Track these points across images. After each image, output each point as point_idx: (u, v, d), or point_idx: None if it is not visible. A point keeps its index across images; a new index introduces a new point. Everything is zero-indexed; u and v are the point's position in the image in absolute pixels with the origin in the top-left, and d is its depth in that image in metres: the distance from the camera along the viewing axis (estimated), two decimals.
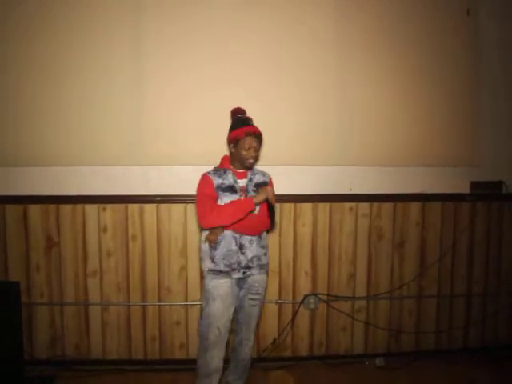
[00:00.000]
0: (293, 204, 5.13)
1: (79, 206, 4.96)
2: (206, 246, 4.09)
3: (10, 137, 4.95)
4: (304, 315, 5.24)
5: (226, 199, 3.97)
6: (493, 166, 5.41)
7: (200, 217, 4.03)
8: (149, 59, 5.03)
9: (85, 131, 4.96)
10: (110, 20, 4.98)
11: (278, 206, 4.29)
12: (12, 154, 4.95)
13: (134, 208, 5.00)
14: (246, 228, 3.99)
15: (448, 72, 5.34)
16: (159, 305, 5.09)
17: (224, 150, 4.26)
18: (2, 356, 4.32)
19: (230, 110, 4.16)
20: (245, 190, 4.04)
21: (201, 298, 4.45)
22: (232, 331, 4.28)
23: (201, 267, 4.33)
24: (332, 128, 5.21)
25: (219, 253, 4.02)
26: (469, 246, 5.40)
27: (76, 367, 5.00)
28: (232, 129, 4.02)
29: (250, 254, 4.04)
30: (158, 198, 5.01)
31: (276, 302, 5.18)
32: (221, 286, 4.04)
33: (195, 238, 5.00)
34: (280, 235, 5.14)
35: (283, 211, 5.08)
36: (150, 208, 5.01)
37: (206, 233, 4.07)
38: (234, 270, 4.02)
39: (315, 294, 5.21)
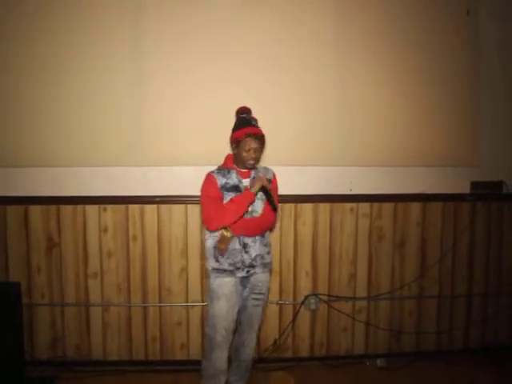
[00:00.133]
0: (293, 204, 5.13)
1: (80, 207, 4.96)
2: (210, 245, 4.08)
3: (10, 137, 4.94)
4: (305, 316, 5.24)
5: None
6: (493, 166, 5.41)
7: (205, 221, 4.04)
8: (149, 59, 5.02)
9: (85, 131, 4.96)
10: (109, 20, 4.97)
11: (279, 206, 4.27)
12: (12, 155, 4.94)
13: (134, 208, 4.99)
14: (250, 230, 4.00)
15: (448, 72, 5.34)
16: (160, 305, 5.09)
17: (225, 150, 4.23)
18: (3, 357, 4.33)
19: (236, 109, 4.13)
20: (248, 189, 4.03)
21: (206, 298, 4.48)
22: (235, 331, 4.28)
23: (205, 266, 4.30)
24: (332, 128, 5.21)
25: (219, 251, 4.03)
26: (469, 247, 5.40)
27: (77, 368, 4.99)
28: (234, 129, 4.01)
29: (253, 253, 4.04)
30: (159, 199, 5.00)
31: (277, 303, 5.17)
32: (225, 285, 4.04)
33: (196, 238, 5.02)
34: (281, 235, 5.14)
35: (284, 211, 5.08)
36: (150, 208, 5.00)
37: (213, 234, 4.05)
38: (238, 268, 4.03)
39: (316, 295, 5.21)
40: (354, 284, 5.28)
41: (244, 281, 4.12)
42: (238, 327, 4.26)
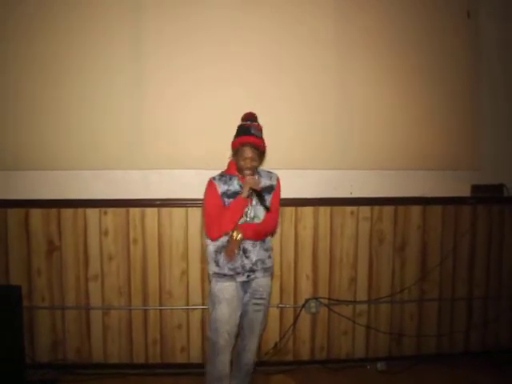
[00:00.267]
0: (293, 208, 5.12)
1: (80, 210, 4.95)
2: (211, 249, 4.07)
3: (10, 139, 4.95)
4: (305, 319, 5.24)
5: None
6: (493, 169, 5.42)
7: (206, 229, 4.06)
8: (149, 59, 5.03)
9: (85, 132, 4.97)
10: (109, 20, 4.97)
11: (280, 209, 4.29)
12: (12, 157, 4.95)
13: (135, 212, 4.99)
14: (250, 235, 3.98)
15: (448, 72, 5.35)
16: (160, 309, 5.08)
17: (224, 153, 4.16)
18: (4, 359, 4.34)
19: (243, 113, 4.07)
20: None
21: (206, 302, 4.48)
22: (237, 336, 4.27)
23: (206, 270, 4.34)
24: (332, 128, 5.22)
25: (223, 257, 4.01)
26: (470, 250, 5.40)
27: (77, 371, 4.99)
28: (234, 136, 3.99)
29: (254, 258, 4.02)
30: (159, 202, 5.00)
31: (277, 306, 5.17)
32: (226, 289, 4.03)
33: (196, 241, 5.02)
34: (281, 238, 5.13)
35: (284, 215, 5.06)
36: (151, 212, 5.00)
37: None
38: (238, 273, 4.01)
39: (316, 298, 5.21)
40: (355, 287, 5.28)
41: (245, 285, 4.10)
42: (240, 331, 4.25)
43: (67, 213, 4.94)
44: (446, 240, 5.34)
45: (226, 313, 4.01)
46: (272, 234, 4.33)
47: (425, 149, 5.31)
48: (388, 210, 5.26)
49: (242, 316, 4.15)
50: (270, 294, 4.27)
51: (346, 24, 5.19)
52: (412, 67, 5.29)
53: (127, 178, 5.03)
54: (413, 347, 5.39)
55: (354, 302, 5.28)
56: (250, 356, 4.26)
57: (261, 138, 3.93)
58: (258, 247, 4.04)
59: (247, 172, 3.91)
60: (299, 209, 5.14)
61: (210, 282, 4.16)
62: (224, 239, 3.99)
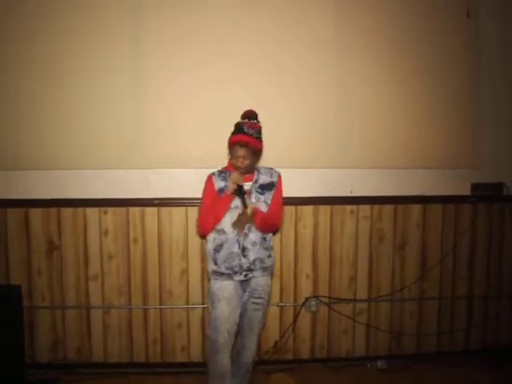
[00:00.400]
0: (294, 206, 5.13)
1: (80, 210, 4.96)
2: (210, 247, 4.08)
3: (10, 138, 4.95)
4: (305, 318, 5.25)
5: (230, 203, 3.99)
6: (493, 167, 5.42)
7: (197, 223, 4.18)
8: (149, 59, 5.03)
9: (85, 131, 4.97)
10: (110, 20, 4.98)
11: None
12: (12, 156, 4.95)
13: (135, 211, 5.00)
14: (258, 223, 3.97)
15: (448, 72, 5.34)
16: (160, 308, 5.09)
17: (224, 152, 4.18)
18: (4, 359, 4.34)
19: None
20: (249, 193, 4.01)
21: (206, 300, 4.46)
22: (237, 334, 4.28)
23: (206, 268, 4.35)
24: (332, 128, 5.21)
25: (221, 255, 4.02)
26: (470, 248, 5.40)
27: (78, 370, 4.99)
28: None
29: (252, 257, 4.02)
30: (159, 201, 5.01)
31: (277, 305, 5.18)
32: (225, 288, 4.04)
33: (196, 240, 5.03)
34: (281, 237, 5.14)
35: (284, 214, 4.97)
36: (150, 211, 5.01)
37: (213, 236, 4.07)
38: (235, 272, 4.02)
39: (316, 297, 5.21)
40: (355, 286, 5.28)
41: (244, 284, 4.11)
42: (239, 330, 4.26)
43: (67, 212, 4.95)
44: (445, 238, 5.35)
45: (225, 311, 4.02)
46: (275, 231, 4.36)
47: (425, 148, 5.31)
48: (388, 208, 5.26)
49: (242, 315, 4.16)
50: (269, 293, 4.27)
51: (346, 24, 5.18)
52: (412, 67, 5.28)
53: (127, 178, 5.03)
54: (413, 346, 5.40)
55: (354, 300, 5.28)
56: (249, 354, 4.26)
57: (254, 136, 3.92)
58: (257, 246, 4.03)
59: (238, 171, 3.91)
60: (299, 208, 5.15)
61: (208, 280, 4.17)
62: (221, 237, 4.01)
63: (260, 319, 4.22)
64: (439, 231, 5.34)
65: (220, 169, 4.13)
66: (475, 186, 5.40)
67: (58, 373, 4.95)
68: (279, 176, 4.19)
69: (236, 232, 3.99)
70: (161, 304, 5.09)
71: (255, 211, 3.94)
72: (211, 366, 4.14)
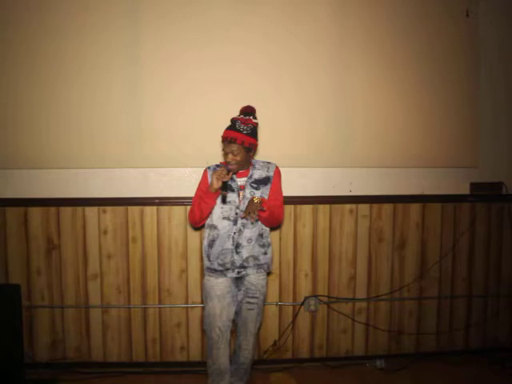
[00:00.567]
0: (293, 206, 5.13)
1: (79, 209, 4.96)
2: (205, 244, 4.08)
3: (10, 137, 4.94)
4: (304, 317, 5.24)
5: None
6: (492, 167, 5.43)
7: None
8: (149, 59, 5.01)
9: (84, 131, 4.97)
10: (109, 20, 4.96)
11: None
12: (12, 155, 4.94)
13: (134, 210, 4.99)
14: (263, 213, 3.91)
15: (448, 72, 5.33)
16: (160, 307, 5.09)
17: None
18: (3, 359, 4.36)
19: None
20: (243, 188, 4.01)
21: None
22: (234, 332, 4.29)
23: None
24: (331, 128, 5.21)
25: (214, 251, 4.02)
26: (469, 247, 5.40)
27: (77, 370, 4.98)
28: None
29: (245, 254, 4.00)
30: (158, 200, 5.01)
31: (276, 304, 5.18)
32: (217, 285, 4.03)
33: (195, 240, 5.03)
34: (280, 237, 5.14)
35: (284, 212, 5.04)
36: (150, 210, 5.01)
37: (209, 233, 4.06)
38: (228, 269, 4.01)
39: (315, 296, 5.21)
40: (354, 285, 5.28)
41: (238, 282, 4.10)
42: (236, 329, 4.27)
43: (66, 211, 4.95)
44: (445, 238, 5.35)
45: (217, 308, 4.02)
46: (278, 225, 4.43)
47: (424, 147, 5.31)
48: (387, 207, 5.26)
49: (237, 313, 4.16)
50: (264, 292, 4.22)
51: (346, 24, 5.18)
52: (412, 67, 5.27)
53: (126, 177, 5.03)
54: (412, 345, 5.39)
55: (353, 299, 5.28)
56: (246, 354, 4.26)
57: (245, 132, 3.87)
58: (253, 242, 4.02)
59: (229, 167, 3.87)
60: (298, 207, 5.15)
61: (203, 276, 4.18)
62: (213, 232, 4.02)
63: (254, 319, 4.19)
64: (438, 230, 5.34)
65: (217, 163, 4.11)
66: (474, 186, 5.40)
67: (57, 372, 4.94)
68: (276, 169, 4.15)
69: (228, 228, 3.99)
70: (160, 303, 5.08)
71: (263, 200, 3.89)
72: (209, 362, 4.14)
